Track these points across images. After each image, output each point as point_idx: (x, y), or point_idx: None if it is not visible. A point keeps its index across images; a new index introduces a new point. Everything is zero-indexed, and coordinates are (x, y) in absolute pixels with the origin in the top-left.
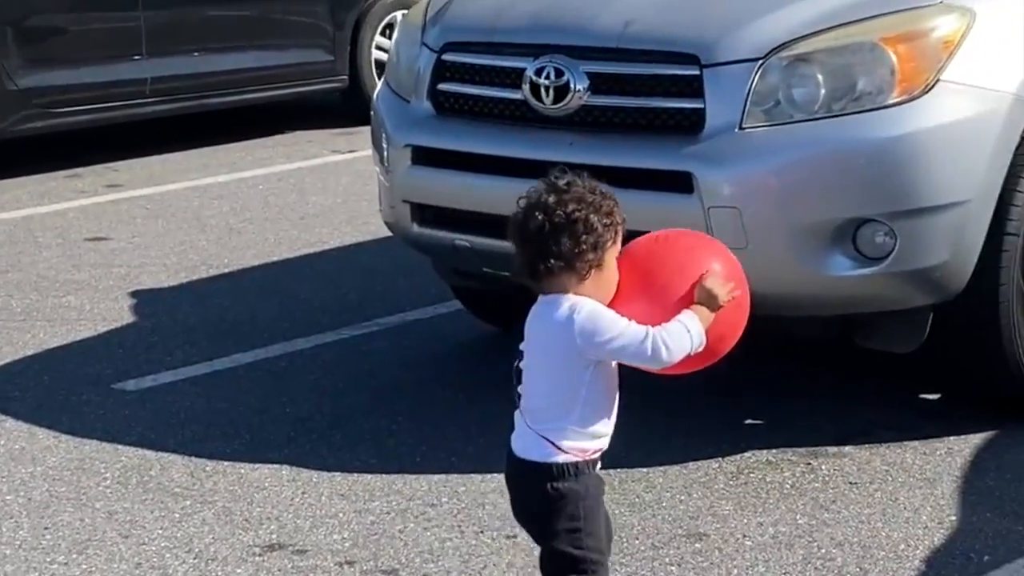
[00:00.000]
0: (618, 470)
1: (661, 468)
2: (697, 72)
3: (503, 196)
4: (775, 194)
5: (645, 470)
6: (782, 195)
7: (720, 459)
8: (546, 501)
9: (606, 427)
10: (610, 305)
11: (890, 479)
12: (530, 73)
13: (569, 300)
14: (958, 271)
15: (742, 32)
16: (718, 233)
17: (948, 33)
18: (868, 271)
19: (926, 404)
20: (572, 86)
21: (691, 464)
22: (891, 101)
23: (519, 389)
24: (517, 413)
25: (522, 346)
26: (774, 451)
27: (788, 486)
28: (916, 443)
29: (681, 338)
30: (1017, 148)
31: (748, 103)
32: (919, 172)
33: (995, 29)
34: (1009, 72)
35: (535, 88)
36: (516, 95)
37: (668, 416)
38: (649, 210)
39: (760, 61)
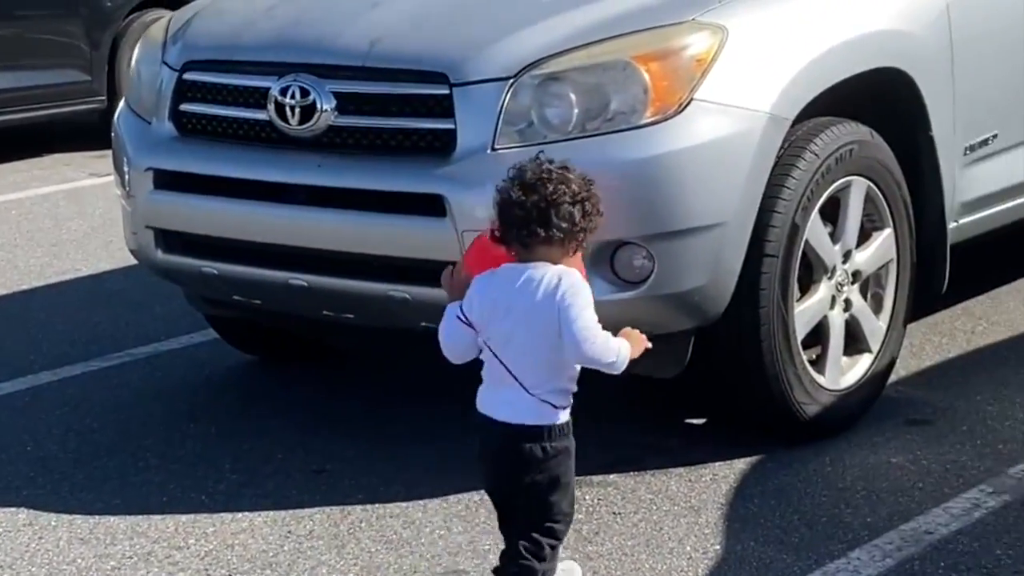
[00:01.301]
0: (375, 505)
1: (421, 502)
2: (447, 91)
3: (250, 221)
4: None
5: (404, 504)
6: None
7: (481, 492)
8: (545, 459)
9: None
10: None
11: (655, 508)
12: (275, 93)
13: (556, 268)
14: (718, 294)
15: (492, 50)
16: None
17: (701, 51)
18: (627, 295)
19: (693, 429)
20: (319, 106)
21: (451, 497)
22: (645, 121)
23: (501, 359)
24: (492, 383)
25: (486, 317)
26: None
27: None
28: (682, 470)
29: (613, 352)
30: (773, 168)
31: (500, 123)
32: (674, 194)
33: (749, 47)
34: (764, 90)
35: (280, 108)
36: (261, 115)
37: (428, 447)
38: (401, 234)
39: (511, 80)
